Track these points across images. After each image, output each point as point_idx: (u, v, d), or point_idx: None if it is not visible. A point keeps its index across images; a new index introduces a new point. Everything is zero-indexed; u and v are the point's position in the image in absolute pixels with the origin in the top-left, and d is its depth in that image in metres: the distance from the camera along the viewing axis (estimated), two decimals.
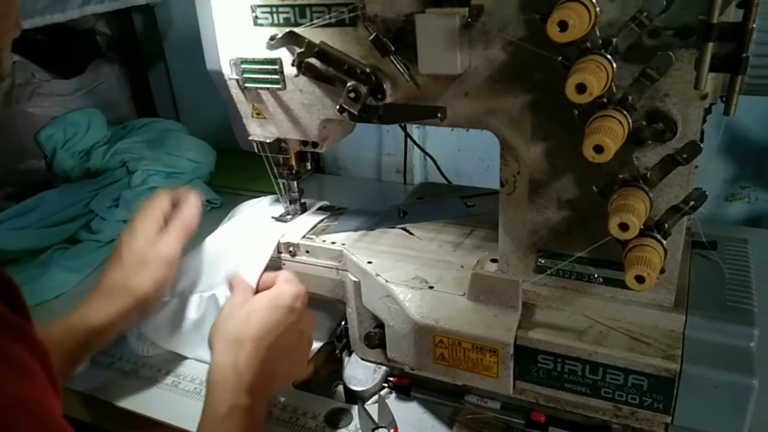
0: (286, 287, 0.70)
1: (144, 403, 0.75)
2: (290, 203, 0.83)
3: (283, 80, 0.69)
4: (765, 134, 1.08)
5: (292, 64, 0.65)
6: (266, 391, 0.65)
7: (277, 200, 0.86)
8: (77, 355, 0.71)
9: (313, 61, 0.65)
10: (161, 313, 0.78)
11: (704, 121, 0.57)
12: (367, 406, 0.71)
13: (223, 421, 0.59)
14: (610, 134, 0.48)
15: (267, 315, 0.67)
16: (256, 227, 0.81)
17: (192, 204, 0.78)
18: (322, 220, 0.83)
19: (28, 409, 0.38)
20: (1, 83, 1.14)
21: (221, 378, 0.62)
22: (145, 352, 0.81)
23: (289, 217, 0.83)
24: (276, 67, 0.68)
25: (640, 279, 0.50)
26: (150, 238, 0.74)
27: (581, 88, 0.47)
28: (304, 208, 0.85)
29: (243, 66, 0.70)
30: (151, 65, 1.56)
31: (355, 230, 0.79)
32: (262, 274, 0.74)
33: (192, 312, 0.77)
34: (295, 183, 0.82)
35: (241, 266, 0.75)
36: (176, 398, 0.75)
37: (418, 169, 1.35)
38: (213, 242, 0.81)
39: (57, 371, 0.44)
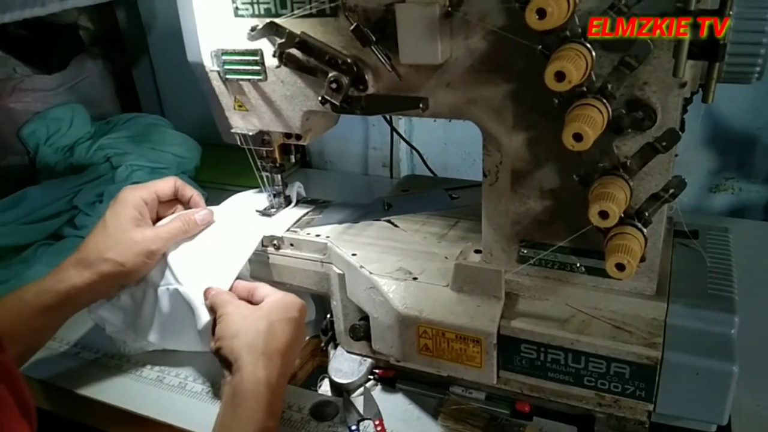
0: (290, 298, 0.68)
1: (128, 398, 0.74)
2: (274, 197, 0.83)
3: (265, 71, 0.69)
4: (748, 125, 1.09)
5: (274, 55, 0.65)
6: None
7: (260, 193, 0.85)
8: (47, 320, 0.70)
9: (294, 51, 0.64)
10: (137, 308, 0.76)
11: (685, 110, 0.57)
12: (352, 399, 0.71)
13: None
14: (589, 122, 0.48)
15: (287, 327, 0.65)
16: (235, 226, 0.79)
17: (202, 215, 0.76)
18: (307, 213, 0.83)
19: None
20: None
21: (255, 391, 0.59)
22: (128, 351, 0.81)
23: (273, 210, 0.83)
24: (257, 58, 0.68)
25: (620, 267, 0.50)
26: (138, 216, 0.73)
27: (560, 76, 0.47)
28: (288, 202, 0.84)
29: (224, 57, 0.70)
30: (134, 60, 1.55)
31: (340, 223, 0.79)
32: (234, 281, 0.72)
33: (163, 305, 0.74)
34: (279, 176, 0.81)
35: (215, 272, 0.72)
36: (161, 393, 0.75)
37: (404, 163, 1.35)
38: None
39: (28, 393, 0.43)
